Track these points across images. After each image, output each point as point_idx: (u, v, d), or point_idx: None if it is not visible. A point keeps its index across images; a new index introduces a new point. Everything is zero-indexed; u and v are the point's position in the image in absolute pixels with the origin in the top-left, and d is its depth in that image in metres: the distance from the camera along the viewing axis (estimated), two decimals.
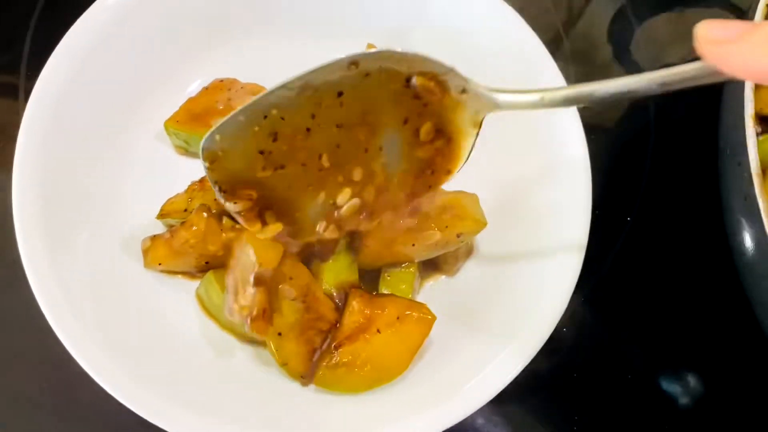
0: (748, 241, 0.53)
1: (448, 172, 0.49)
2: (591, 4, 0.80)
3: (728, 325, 0.64)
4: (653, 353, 0.64)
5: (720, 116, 0.61)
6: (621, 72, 0.76)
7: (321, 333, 0.53)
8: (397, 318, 0.53)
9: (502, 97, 0.43)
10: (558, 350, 0.62)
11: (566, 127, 0.58)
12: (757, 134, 0.54)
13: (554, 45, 0.76)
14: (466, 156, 0.48)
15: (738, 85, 0.55)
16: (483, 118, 0.45)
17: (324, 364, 0.52)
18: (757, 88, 0.56)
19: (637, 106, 0.73)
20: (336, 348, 0.52)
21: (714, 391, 0.62)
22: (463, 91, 0.44)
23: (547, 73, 0.59)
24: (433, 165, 0.49)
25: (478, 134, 0.47)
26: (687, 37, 0.34)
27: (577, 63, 0.75)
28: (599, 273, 0.65)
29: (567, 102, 0.41)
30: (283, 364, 0.51)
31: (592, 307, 0.64)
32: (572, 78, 0.72)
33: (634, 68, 0.75)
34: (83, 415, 0.58)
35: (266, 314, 0.50)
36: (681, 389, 0.63)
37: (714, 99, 0.62)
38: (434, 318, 0.53)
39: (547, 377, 0.62)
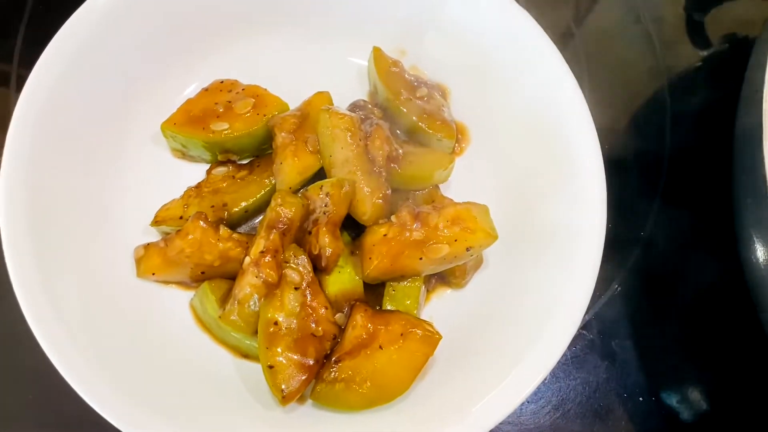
0: (760, 255, 0.51)
1: None
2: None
3: (736, 339, 0.62)
4: (662, 369, 0.62)
5: (734, 132, 0.59)
6: (635, 71, 0.73)
7: (316, 345, 0.50)
8: (401, 335, 0.50)
9: None
10: (566, 365, 0.61)
11: (581, 141, 0.55)
12: None
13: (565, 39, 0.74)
14: None
15: (755, 99, 0.53)
16: None
17: (322, 378, 0.50)
18: None
19: (652, 122, 0.71)
20: (336, 362, 0.50)
21: (721, 406, 0.61)
22: None
23: (566, 86, 0.57)
24: None
25: None
26: None
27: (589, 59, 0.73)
28: (610, 289, 0.63)
29: None
30: (269, 367, 0.48)
31: (603, 322, 0.62)
32: (585, 77, 0.70)
33: None
34: (67, 427, 0.55)
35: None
36: (688, 406, 0.61)
37: (730, 111, 0.60)
38: (440, 337, 0.51)
39: (555, 393, 0.60)
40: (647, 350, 0.62)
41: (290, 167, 0.55)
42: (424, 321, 0.52)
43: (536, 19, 0.59)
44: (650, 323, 0.63)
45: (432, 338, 0.51)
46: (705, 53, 0.76)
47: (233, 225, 0.56)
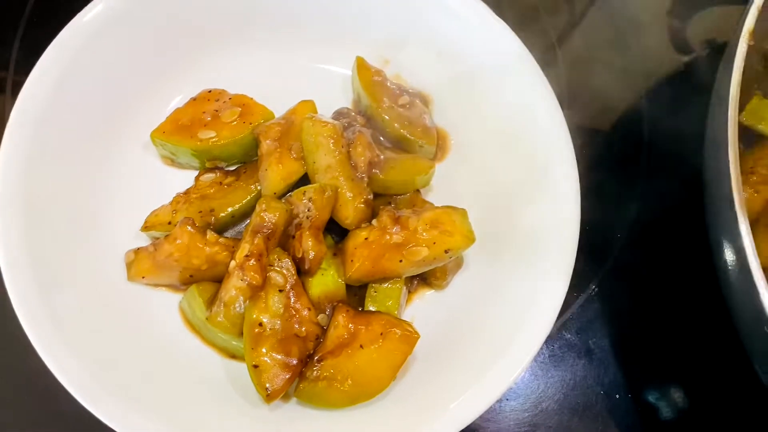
0: (730, 262, 0.53)
1: None
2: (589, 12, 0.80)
3: (712, 342, 0.64)
4: (639, 367, 0.64)
5: (704, 137, 0.60)
6: (614, 77, 0.75)
7: (300, 345, 0.52)
8: (381, 334, 0.52)
9: None
10: (545, 363, 0.63)
11: (554, 142, 0.58)
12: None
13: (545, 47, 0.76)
14: None
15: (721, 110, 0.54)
16: None
17: (305, 376, 0.51)
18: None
19: (630, 121, 0.73)
20: (318, 361, 0.52)
21: (697, 407, 0.62)
22: None
23: (538, 87, 0.59)
24: None
25: None
26: None
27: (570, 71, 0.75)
28: (587, 290, 0.65)
29: None
30: (254, 366, 0.50)
31: (580, 321, 0.64)
32: (565, 87, 0.72)
33: None
34: (62, 426, 0.57)
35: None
36: (665, 405, 0.63)
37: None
38: (418, 336, 0.52)
39: (534, 391, 0.62)
40: (624, 349, 0.63)
41: (274, 173, 0.57)
42: (404, 321, 0.54)
43: (518, 29, 0.61)
44: (627, 322, 0.65)
45: (411, 337, 0.52)
46: (686, 59, 0.78)
47: (220, 230, 0.58)
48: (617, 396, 0.62)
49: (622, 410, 0.61)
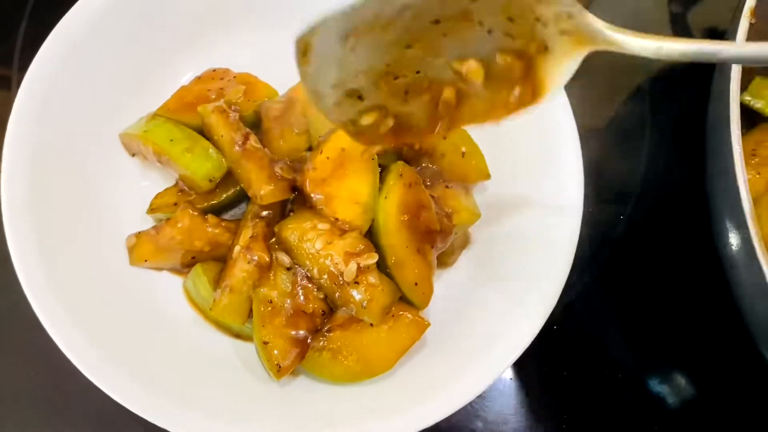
0: (734, 244, 0.53)
1: (532, 98, 0.41)
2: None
3: (716, 325, 0.64)
4: (643, 353, 0.64)
5: (706, 121, 0.61)
6: (614, 66, 0.75)
7: (307, 321, 0.52)
8: (392, 316, 0.52)
9: (614, 36, 0.37)
10: (548, 348, 0.62)
11: (558, 121, 0.57)
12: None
13: None
14: (554, 87, 0.41)
15: (724, 89, 0.54)
16: (586, 53, 0.39)
17: (311, 346, 0.51)
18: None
19: (632, 102, 0.73)
20: (327, 332, 0.52)
21: (702, 391, 0.63)
22: (569, 16, 0.38)
23: None
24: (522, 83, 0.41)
25: (573, 70, 0.39)
26: None
27: None
28: (591, 272, 0.65)
29: (684, 57, 0.36)
30: (264, 343, 0.50)
31: (584, 305, 0.64)
32: None
33: None
34: (72, 407, 0.57)
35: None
36: (670, 389, 0.63)
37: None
38: (428, 324, 0.53)
39: (537, 375, 0.62)
40: (627, 333, 0.64)
41: (277, 150, 0.56)
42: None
43: None
44: (630, 306, 0.65)
45: (420, 324, 0.53)
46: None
47: (219, 210, 0.58)
48: (627, 382, 0.62)
49: (632, 398, 0.61)
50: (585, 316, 0.64)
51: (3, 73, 0.68)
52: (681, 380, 0.64)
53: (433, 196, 0.55)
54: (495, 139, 0.60)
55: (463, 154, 0.57)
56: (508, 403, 0.61)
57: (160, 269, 0.57)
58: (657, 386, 0.63)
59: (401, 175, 0.52)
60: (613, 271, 0.66)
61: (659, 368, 0.64)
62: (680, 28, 0.79)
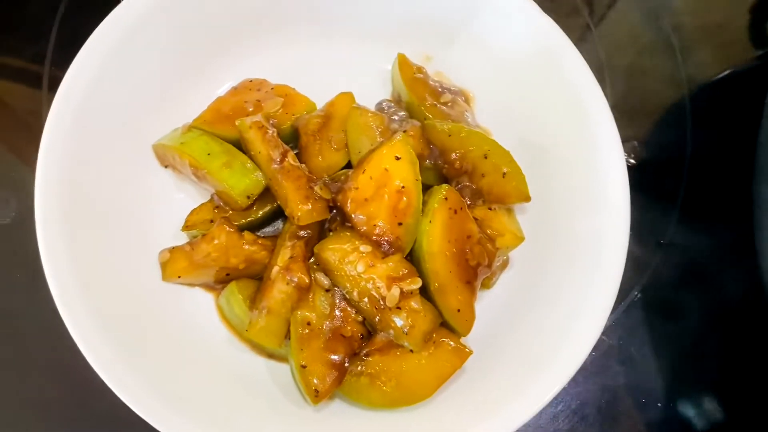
0: None
1: None
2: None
3: (755, 351, 0.62)
4: (680, 377, 0.62)
5: (757, 140, 0.59)
6: (654, 79, 0.74)
7: (345, 345, 0.50)
8: (433, 342, 0.50)
9: None
10: (585, 369, 0.61)
11: (606, 148, 0.56)
12: None
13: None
14: None
15: None
16: None
17: (349, 370, 0.50)
18: None
19: (673, 131, 0.72)
20: (366, 356, 0.50)
21: (735, 417, 0.61)
22: None
23: (591, 94, 0.57)
24: None
25: None
26: None
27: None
28: (630, 296, 0.64)
29: None
30: (302, 367, 0.48)
31: (623, 328, 0.63)
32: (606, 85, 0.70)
33: None
34: (97, 421, 0.56)
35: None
36: (704, 414, 0.61)
37: (754, 120, 0.60)
38: (470, 352, 0.51)
39: (574, 398, 0.60)
40: (666, 357, 0.62)
41: (315, 167, 0.55)
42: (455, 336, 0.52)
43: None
44: (669, 331, 0.63)
45: (462, 352, 0.51)
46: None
47: (255, 227, 0.56)
48: (658, 405, 0.61)
49: (662, 420, 0.60)
50: (623, 340, 0.63)
51: (36, 71, 0.67)
52: (715, 409, 0.62)
53: (476, 218, 0.53)
54: (541, 164, 0.58)
55: (504, 174, 0.55)
56: (544, 426, 0.60)
57: (192, 285, 0.55)
58: (692, 414, 0.61)
59: (446, 198, 0.51)
60: (651, 296, 0.64)
61: (695, 395, 0.62)
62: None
